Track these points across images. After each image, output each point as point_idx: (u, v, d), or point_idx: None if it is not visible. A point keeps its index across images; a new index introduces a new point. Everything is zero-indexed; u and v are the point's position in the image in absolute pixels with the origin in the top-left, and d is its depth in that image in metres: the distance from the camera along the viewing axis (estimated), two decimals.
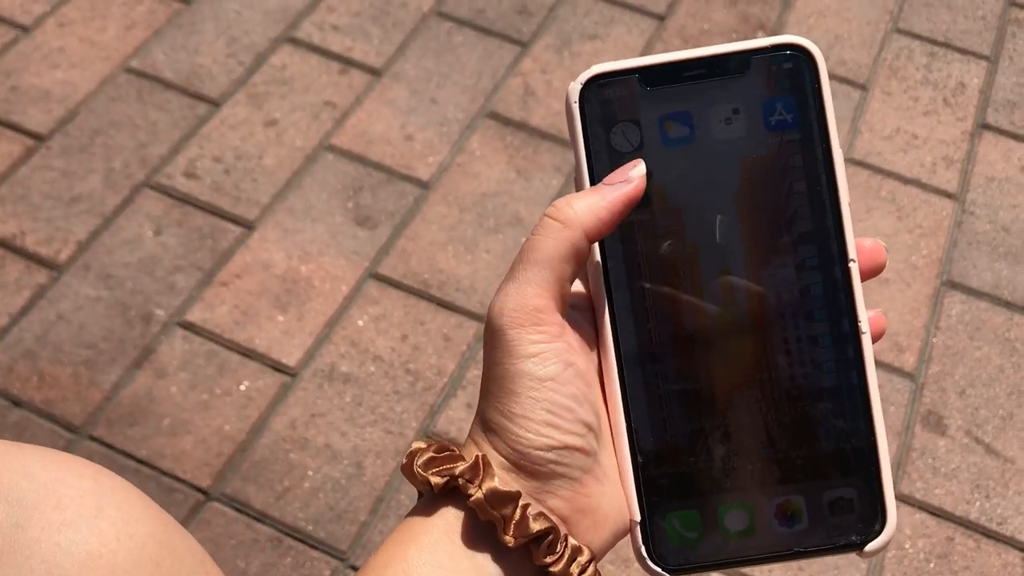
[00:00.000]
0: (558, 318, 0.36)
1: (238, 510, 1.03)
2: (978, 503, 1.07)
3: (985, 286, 1.24)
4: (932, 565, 1.04)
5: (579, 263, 0.36)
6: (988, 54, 1.47)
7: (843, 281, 0.37)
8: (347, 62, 1.41)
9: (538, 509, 0.34)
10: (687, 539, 0.37)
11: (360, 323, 1.17)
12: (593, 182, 0.38)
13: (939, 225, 1.29)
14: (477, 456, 0.35)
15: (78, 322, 1.16)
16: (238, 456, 1.07)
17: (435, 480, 0.35)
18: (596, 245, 0.38)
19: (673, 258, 0.37)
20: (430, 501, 0.36)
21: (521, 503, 0.34)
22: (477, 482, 0.34)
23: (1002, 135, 1.39)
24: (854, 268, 0.37)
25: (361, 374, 1.13)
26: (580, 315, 0.38)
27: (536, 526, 0.34)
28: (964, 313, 1.21)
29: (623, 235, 0.38)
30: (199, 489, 1.04)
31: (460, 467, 0.34)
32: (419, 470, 0.35)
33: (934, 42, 1.48)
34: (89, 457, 1.05)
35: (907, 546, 1.05)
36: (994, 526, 1.06)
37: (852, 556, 1.04)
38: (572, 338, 0.37)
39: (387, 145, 1.33)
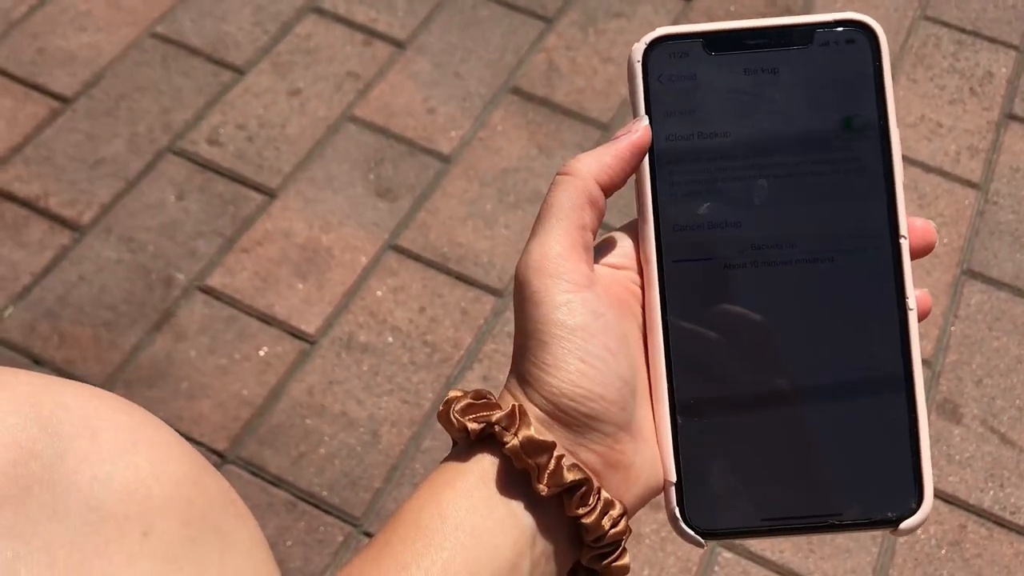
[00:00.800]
0: (584, 268, 0.36)
1: (254, 474, 1.04)
2: (992, 492, 1.07)
3: (1006, 276, 1.23)
4: (944, 552, 1.04)
5: (596, 211, 0.37)
6: (1017, 44, 1.46)
7: (893, 257, 0.37)
8: (371, 33, 1.41)
9: (572, 460, 0.34)
10: (721, 504, 0.36)
11: (379, 294, 1.17)
12: (651, 140, 0.38)
13: (961, 214, 1.29)
14: (514, 405, 0.35)
15: (99, 284, 1.16)
16: (255, 420, 1.07)
17: (472, 426, 0.35)
18: (648, 205, 0.38)
19: (726, 222, 0.37)
20: (466, 448, 0.36)
21: (556, 453, 0.34)
22: (513, 430, 0.34)
23: None
24: (904, 244, 0.37)
25: (379, 344, 1.13)
26: (625, 274, 0.38)
27: (570, 476, 0.34)
28: (983, 303, 1.21)
29: (675, 195, 0.38)
30: (216, 452, 1.05)
31: (497, 415, 0.34)
32: (456, 416, 0.35)
33: (962, 30, 1.47)
34: None
35: (919, 532, 1.05)
36: (1007, 515, 1.06)
37: (865, 540, 1.04)
38: (602, 291, 0.36)
39: (409, 118, 1.33)
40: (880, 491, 0.36)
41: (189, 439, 1.05)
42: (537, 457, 0.34)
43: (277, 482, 1.04)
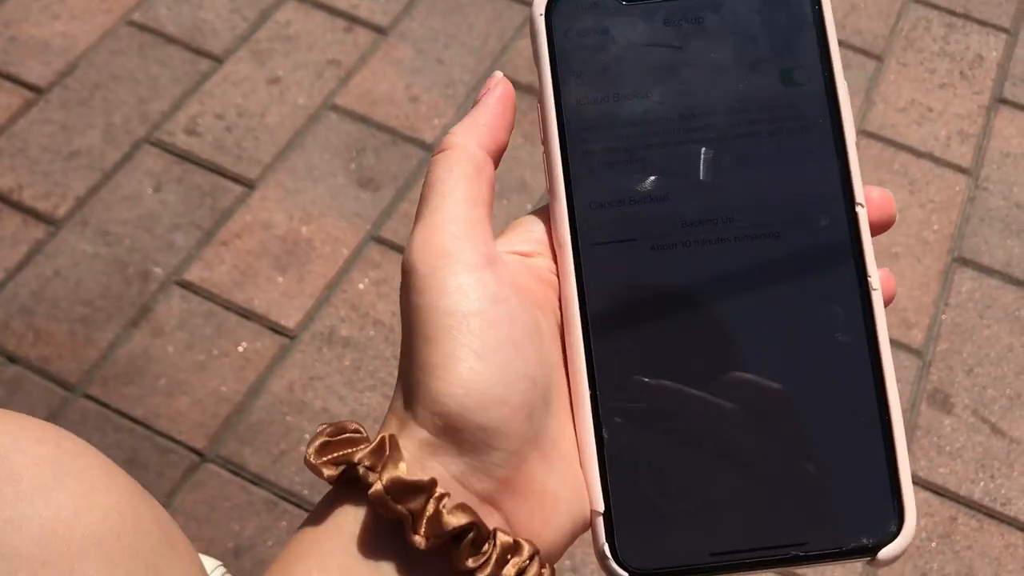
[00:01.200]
0: (480, 246, 0.30)
1: (234, 472, 1.02)
2: (982, 483, 1.06)
3: (997, 263, 1.22)
4: (934, 544, 1.02)
5: (486, 180, 0.32)
6: (1008, 27, 1.44)
7: (849, 229, 0.31)
8: (352, 20, 1.38)
9: (458, 500, 0.28)
10: (660, 538, 0.30)
11: (361, 286, 1.15)
12: (560, 105, 0.33)
13: (952, 200, 1.27)
14: (383, 436, 0.28)
15: (75, 278, 1.14)
16: (234, 418, 1.05)
17: (328, 472, 0.28)
18: (559, 180, 0.32)
19: (651, 196, 0.32)
20: (328, 500, 0.29)
21: (436, 493, 0.27)
22: (380, 469, 0.27)
23: (1019, 110, 1.36)
24: (862, 213, 0.31)
25: (361, 338, 1.11)
26: (537, 262, 0.33)
27: (453, 521, 0.27)
28: (974, 290, 1.20)
29: (590, 167, 0.32)
30: (194, 450, 1.03)
31: (359, 452, 0.28)
32: (310, 459, 0.28)
33: (953, 13, 1.45)
34: (83, 416, 1.04)
35: None
36: (998, 506, 1.05)
37: None
38: (505, 273, 0.30)
39: (391, 106, 1.30)
40: (852, 514, 0.30)
41: (167, 438, 1.03)
42: (409, 501, 0.27)
43: (257, 481, 1.02)
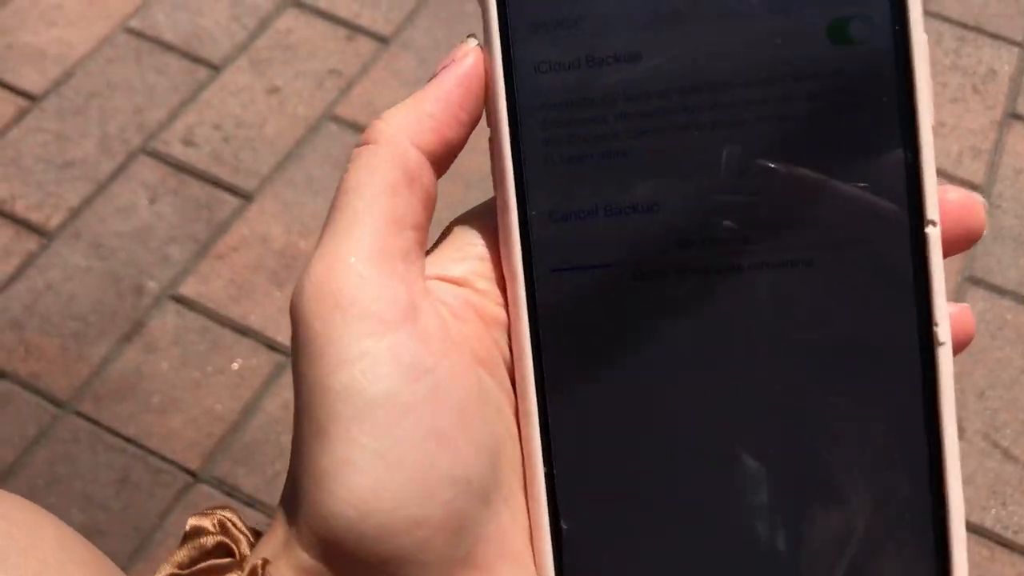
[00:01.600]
0: (399, 290, 0.22)
1: (227, 493, 1.00)
2: (994, 510, 1.04)
3: (1009, 283, 1.19)
4: None
5: (420, 192, 0.24)
6: (1021, 40, 1.41)
7: (912, 256, 0.23)
8: (354, 28, 1.36)
9: None
10: None
11: None
12: (511, 73, 0.24)
13: None
14: (254, 565, 0.21)
15: (67, 292, 1.12)
16: (229, 437, 1.03)
17: None
18: (509, 181, 0.24)
19: (635, 204, 0.23)
20: None
21: None
22: None
23: None
24: (933, 235, 0.22)
25: None
26: (479, 294, 0.24)
27: None
28: (986, 311, 1.17)
29: (552, 163, 0.24)
30: (187, 471, 1.01)
31: None
32: None
33: (965, 26, 1.43)
34: (74, 434, 1.02)
35: None
36: (1009, 534, 1.02)
37: None
38: (434, 326, 0.22)
39: None
40: None
41: (160, 457, 1.01)
42: None
43: (251, 502, 0.99)
